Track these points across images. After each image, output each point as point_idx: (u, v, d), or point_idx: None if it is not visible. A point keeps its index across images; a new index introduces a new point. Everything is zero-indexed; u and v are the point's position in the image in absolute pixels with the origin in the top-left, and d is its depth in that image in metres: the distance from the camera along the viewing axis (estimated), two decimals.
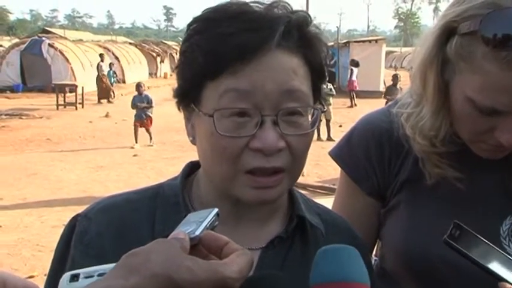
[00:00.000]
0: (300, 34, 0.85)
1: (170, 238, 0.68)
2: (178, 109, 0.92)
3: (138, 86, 12.38)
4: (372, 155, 1.21)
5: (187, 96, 0.88)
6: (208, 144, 0.85)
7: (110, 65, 22.66)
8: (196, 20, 0.88)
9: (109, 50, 29.34)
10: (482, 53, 0.94)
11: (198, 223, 0.71)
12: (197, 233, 0.69)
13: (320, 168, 9.68)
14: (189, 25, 0.89)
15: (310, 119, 0.88)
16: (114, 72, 21.78)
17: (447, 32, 1.01)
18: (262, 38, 0.81)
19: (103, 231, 0.90)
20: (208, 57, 0.82)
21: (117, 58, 29.24)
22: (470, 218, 1.12)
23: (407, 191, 1.19)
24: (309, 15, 0.89)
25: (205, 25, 0.86)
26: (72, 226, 0.94)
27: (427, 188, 1.15)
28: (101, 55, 22.63)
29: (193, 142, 0.92)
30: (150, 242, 0.67)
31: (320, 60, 0.89)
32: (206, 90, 0.85)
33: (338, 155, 1.28)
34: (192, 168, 0.99)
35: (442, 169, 1.12)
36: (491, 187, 1.14)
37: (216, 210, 0.74)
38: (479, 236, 0.98)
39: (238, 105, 0.82)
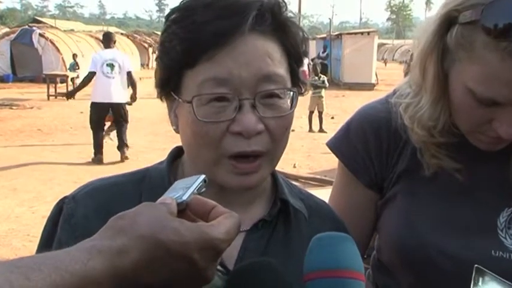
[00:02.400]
0: (273, 18, 0.86)
1: (157, 203, 0.69)
2: (161, 99, 0.94)
3: None
4: (369, 145, 1.21)
5: (168, 85, 0.90)
6: (190, 131, 0.87)
7: (74, 56, 21.67)
8: (173, 10, 0.90)
9: (100, 41, 29.12)
10: (483, 43, 0.94)
11: (184, 189, 0.72)
12: (184, 198, 0.70)
13: (312, 160, 9.70)
14: (167, 16, 0.90)
15: (289, 102, 0.89)
16: (77, 64, 20.94)
17: (448, 21, 1.01)
18: (234, 23, 0.82)
19: (90, 213, 0.91)
20: (184, 46, 0.85)
21: None
22: (467, 210, 1.12)
23: (404, 181, 1.18)
24: (283, 1, 0.90)
25: (182, 14, 0.88)
26: (59, 208, 0.95)
27: (424, 179, 1.15)
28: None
29: (176, 131, 0.94)
30: (137, 206, 0.67)
31: (296, 43, 0.90)
32: (185, 78, 0.87)
33: (336, 145, 1.27)
34: (178, 153, 1.00)
35: (440, 160, 1.12)
36: (489, 178, 1.13)
37: (203, 176, 0.75)
38: (504, 280, 0.96)
39: (216, 90, 0.84)
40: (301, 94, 0.93)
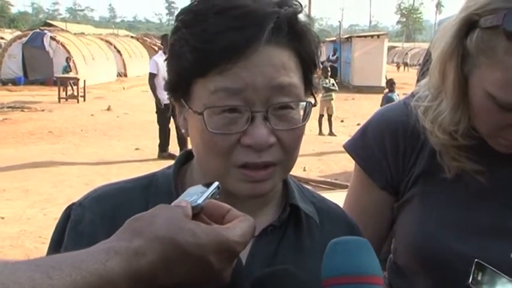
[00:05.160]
0: (289, 28, 0.83)
1: (173, 205, 0.69)
2: (170, 101, 0.93)
3: None
4: (386, 148, 1.20)
5: (178, 90, 0.88)
6: (200, 140, 0.86)
7: (67, 59, 21.54)
8: (183, 11, 0.87)
9: (111, 44, 29.30)
10: (504, 48, 0.93)
11: (199, 194, 0.73)
12: (199, 201, 0.70)
13: (322, 163, 9.67)
14: (177, 16, 0.88)
15: (301, 113, 0.87)
16: (69, 66, 20.89)
17: (468, 24, 1.00)
18: (250, 36, 0.79)
19: (97, 219, 0.90)
20: (196, 55, 0.82)
21: (119, 51, 29.20)
22: (486, 212, 1.11)
23: (422, 184, 1.18)
24: (300, 5, 0.87)
25: (192, 18, 0.84)
26: (67, 215, 0.94)
27: (442, 181, 1.14)
28: None
29: (186, 134, 0.92)
30: (153, 207, 0.68)
31: (311, 51, 0.88)
32: (195, 86, 0.84)
33: (352, 147, 1.27)
34: (186, 157, 0.99)
35: (461, 162, 1.11)
36: (509, 180, 1.12)
37: (216, 183, 0.75)
38: (503, 275, 0.96)
39: (228, 102, 0.81)
40: (314, 105, 0.90)
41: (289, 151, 0.86)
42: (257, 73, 0.81)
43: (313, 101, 0.91)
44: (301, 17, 0.87)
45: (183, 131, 0.93)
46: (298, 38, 0.85)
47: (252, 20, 0.80)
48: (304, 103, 0.87)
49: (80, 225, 0.91)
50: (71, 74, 20.21)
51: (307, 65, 0.88)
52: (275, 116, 0.83)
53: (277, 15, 0.82)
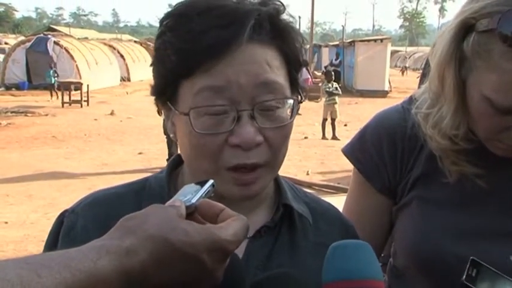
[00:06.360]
0: (271, 26, 0.84)
1: (166, 205, 0.69)
2: (157, 106, 0.93)
3: None
4: (384, 151, 1.21)
5: (163, 94, 0.88)
6: (188, 142, 0.85)
7: (50, 64, 21.54)
8: (168, 15, 0.87)
9: (114, 48, 29.39)
10: (500, 52, 0.94)
11: (193, 193, 0.73)
12: (193, 201, 0.70)
13: (325, 167, 9.68)
14: (161, 21, 0.88)
15: (288, 112, 0.87)
16: (55, 72, 20.81)
17: (464, 28, 1.00)
18: (232, 33, 0.80)
19: (89, 225, 0.90)
20: (180, 56, 0.82)
21: (122, 56, 29.29)
22: (485, 215, 1.11)
23: (420, 187, 1.18)
24: (282, 5, 0.88)
25: (176, 21, 0.85)
26: (60, 221, 0.94)
27: (441, 184, 1.14)
28: None
29: (174, 138, 0.92)
30: (147, 207, 0.68)
31: (295, 49, 0.88)
32: (181, 88, 0.84)
33: (350, 151, 1.27)
34: (178, 161, 0.99)
35: (461, 166, 1.12)
36: (508, 184, 1.13)
37: (211, 181, 0.75)
38: (499, 273, 0.96)
39: (214, 102, 0.81)
40: (300, 102, 0.90)
41: (277, 150, 0.86)
42: (241, 71, 0.81)
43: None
44: (285, 16, 0.87)
45: (171, 135, 0.93)
46: (281, 36, 0.85)
47: (233, 18, 0.81)
48: (291, 102, 0.87)
49: (73, 231, 0.91)
50: (73, 79, 20.15)
51: (292, 63, 0.88)
52: (261, 114, 0.83)
53: (258, 12, 0.82)
